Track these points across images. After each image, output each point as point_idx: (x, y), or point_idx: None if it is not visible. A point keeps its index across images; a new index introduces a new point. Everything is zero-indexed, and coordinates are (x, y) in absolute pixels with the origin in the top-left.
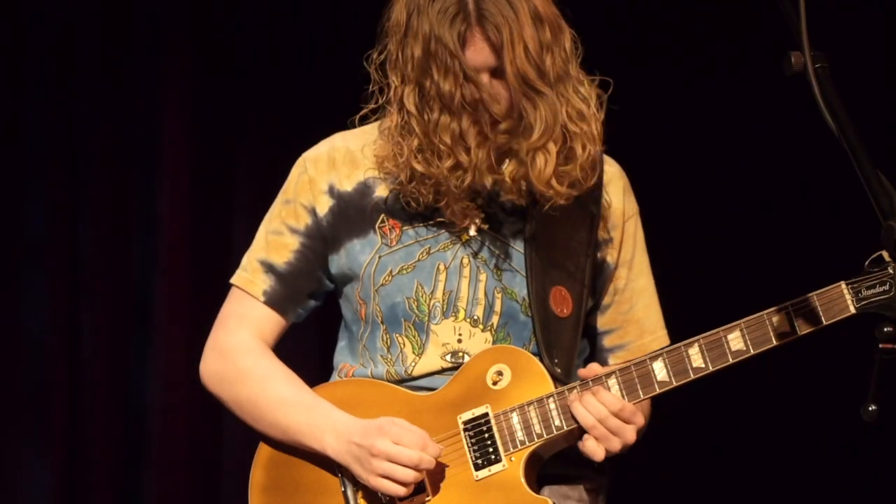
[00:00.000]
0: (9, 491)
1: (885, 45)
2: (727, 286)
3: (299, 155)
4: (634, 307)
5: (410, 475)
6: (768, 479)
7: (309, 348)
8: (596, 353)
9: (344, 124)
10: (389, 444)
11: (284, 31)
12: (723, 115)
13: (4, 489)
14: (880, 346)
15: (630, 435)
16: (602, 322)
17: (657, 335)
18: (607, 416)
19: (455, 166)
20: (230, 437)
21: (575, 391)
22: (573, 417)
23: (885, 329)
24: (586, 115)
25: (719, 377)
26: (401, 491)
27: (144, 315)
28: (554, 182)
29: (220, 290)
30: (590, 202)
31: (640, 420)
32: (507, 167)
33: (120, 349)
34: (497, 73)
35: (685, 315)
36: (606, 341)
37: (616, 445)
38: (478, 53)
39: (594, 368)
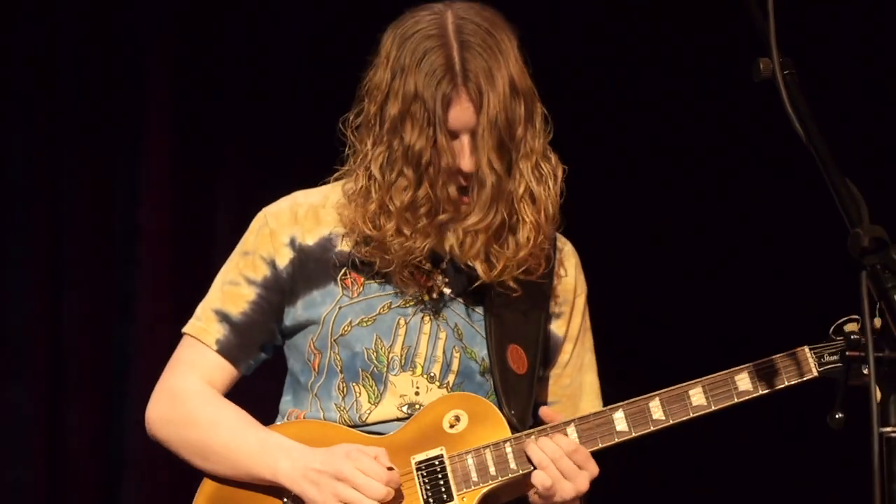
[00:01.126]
0: None
1: (852, 52)
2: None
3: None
4: (574, 382)
5: None
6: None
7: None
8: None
9: (325, 147)
10: (357, 472)
11: (268, 46)
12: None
13: None
14: (847, 353)
15: (583, 482)
16: (545, 394)
17: (594, 405)
18: (561, 457)
19: (398, 231)
20: None
21: (533, 436)
22: (528, 461)
23: (852, 336)
24: (538, 198)
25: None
26: None
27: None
28: (481, 263)
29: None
30: (545, 276)
31: (594, 468)
32: (447, 242)
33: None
34: (474, 135)
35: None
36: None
37: (568, 491)
38: (462, 112)
39: (553, 415)
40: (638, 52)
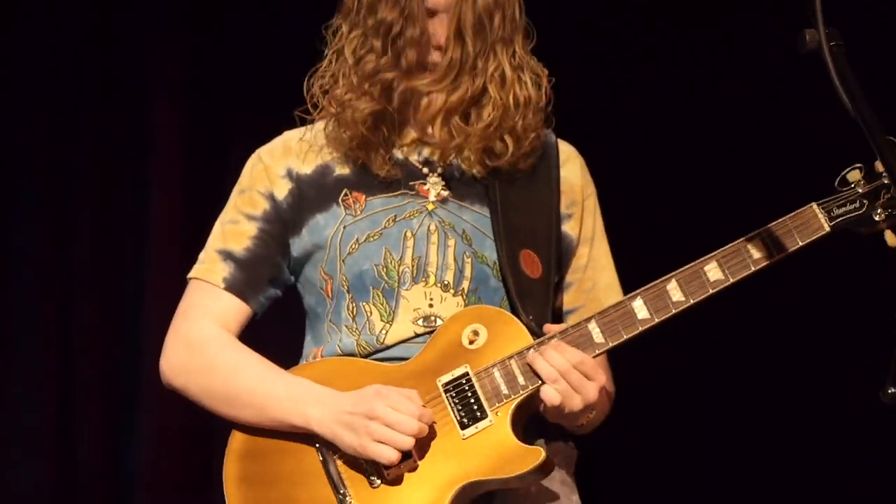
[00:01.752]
0: None
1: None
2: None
3: None
4: (597, 285)
5: (408, 442)
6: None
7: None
8: None
9: None
10: (389, 409)
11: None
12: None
13: None
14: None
15: (592, 392)
16: (566, 301)
17: None
18: (569, 370)
19: (374, 111)
20: None
21: (555, 339)
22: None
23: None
24: (509, 81)
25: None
26: (395, 457)
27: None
28: (438, 126)
29: None
30: (549, 178)
31: (602, 378)
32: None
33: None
34: (447, 17)
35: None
36: (570, 320)
37: (577, 403)
38: None
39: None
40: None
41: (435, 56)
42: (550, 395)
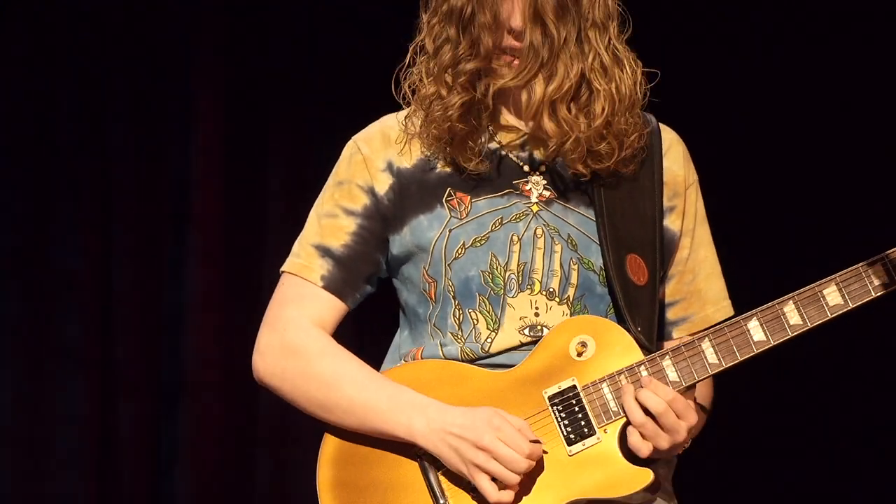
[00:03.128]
0: None
1: None
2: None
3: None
4: (697, 277)
5: (514, 479)
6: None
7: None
8: (661, 327)
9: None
10: (499, 444)
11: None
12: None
13: None
14: None
15: (681, 433)
16: (666, 294)
17: (721, 305)
18: (666, 411)
19: (437, 95)
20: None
21: (668, 356)
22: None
23: None
24: (611, 70)
25: None
26: (496, 494)
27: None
28: (546, 119)
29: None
30: (651, 171)
31: (693, 418)
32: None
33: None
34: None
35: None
36: (670, 314)
37: (664, 442)
38: None
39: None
40: None
41: (512, 41)
42: (636, 442)
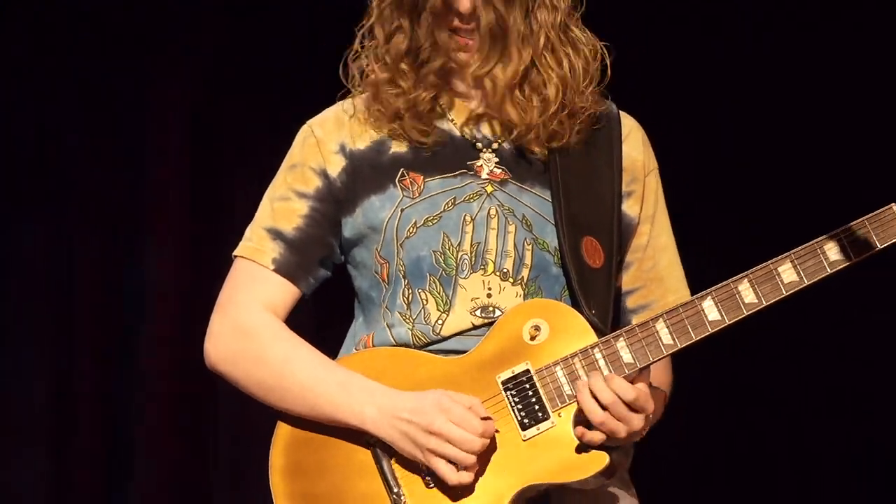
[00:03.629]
0: None
1: None
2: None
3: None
4: (658, 265)
5: (469, 459)
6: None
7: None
8: (619, 315)
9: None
10: (451, 425)
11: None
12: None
13: None
14: None
15: (637, 422)
16: (625, 281)
17: (680, 293)
18: (615, 402)
19: (391, 82)
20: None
21: (622, 337)
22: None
23: None
24: (559, 52)
25: None
26: (455, 474)
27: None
28: (508, 104)
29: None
30: (610, 155)
31: (650, 407)
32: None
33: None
34: None
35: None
36: (629, 301)
37: (621, 432)
38: None
39: None
40: None
41: (460, 23)
42: (588, 431)
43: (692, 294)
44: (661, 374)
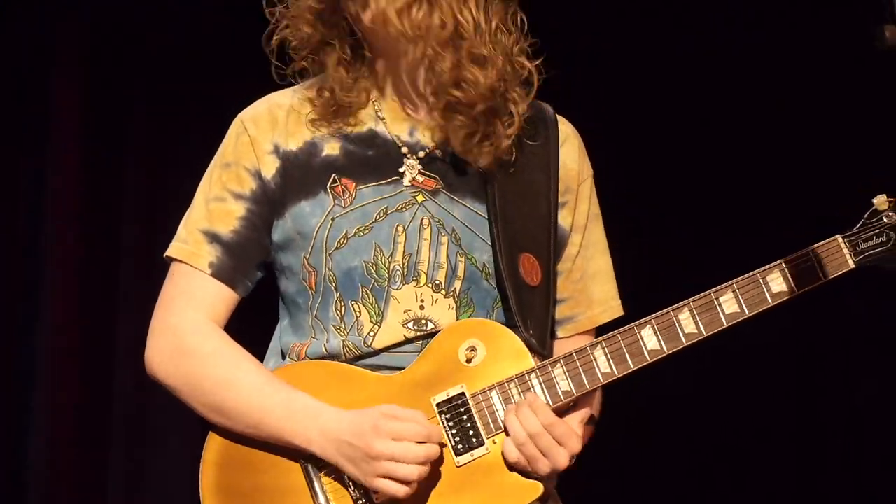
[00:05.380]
0: None
1: None
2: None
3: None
4: (585, 276)
5: (416, 472)
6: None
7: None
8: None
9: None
10: (390, 443)
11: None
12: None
13: None
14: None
15: (561, 460)
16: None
17: (608, 306)
18: (540, 433)
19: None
20: None
21: (559, 364)
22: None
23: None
24: (469, 37)
25: None
26: (403, 491)
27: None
28: (435, 102)
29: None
30: (546, 162)
31: (576, 446)
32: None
33: None
34: None
35: (658, 286)
36: (556, 312)
37: (543, 467)
38: None
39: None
40: None
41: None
42: (513, 457)
43: (623, 307)
44: (593, 399)
